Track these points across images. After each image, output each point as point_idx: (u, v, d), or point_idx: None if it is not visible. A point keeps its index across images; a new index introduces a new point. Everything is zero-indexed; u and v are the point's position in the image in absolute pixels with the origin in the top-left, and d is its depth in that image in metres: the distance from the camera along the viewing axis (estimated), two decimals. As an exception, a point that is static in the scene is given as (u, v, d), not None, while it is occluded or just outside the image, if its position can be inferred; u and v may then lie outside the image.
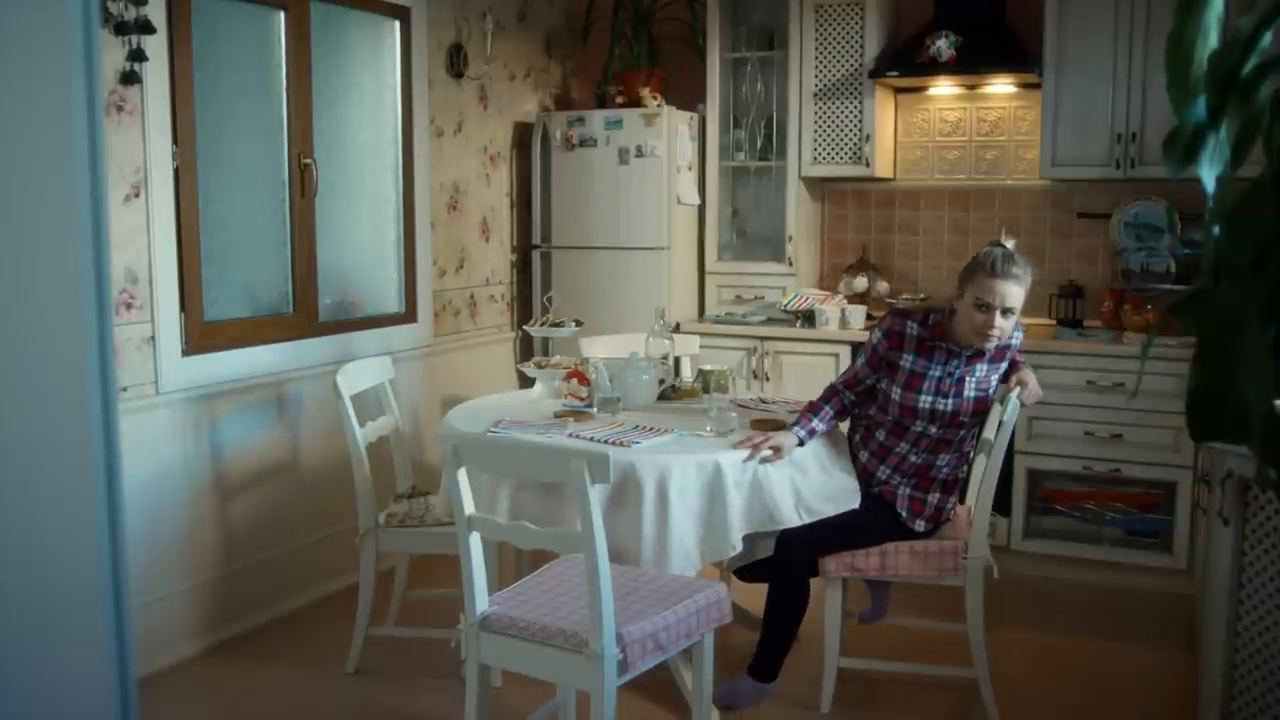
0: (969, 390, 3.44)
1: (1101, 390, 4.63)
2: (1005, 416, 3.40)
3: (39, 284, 1.42)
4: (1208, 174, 1.83)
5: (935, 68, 5.00)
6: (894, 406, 3.46)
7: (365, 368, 4.00)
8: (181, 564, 3.93)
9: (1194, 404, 1.76)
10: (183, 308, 3.95)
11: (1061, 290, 5.11)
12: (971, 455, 3.59)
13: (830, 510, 3.41)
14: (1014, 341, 3.52)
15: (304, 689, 3.72)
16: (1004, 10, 5.06)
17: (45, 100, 1.42)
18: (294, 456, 4.39)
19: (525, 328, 4.50)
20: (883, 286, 5.52)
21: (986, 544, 3.47)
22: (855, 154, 5.29)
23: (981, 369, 3.46)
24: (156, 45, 3.74)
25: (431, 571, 4.61)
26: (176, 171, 3.90)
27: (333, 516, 4.51)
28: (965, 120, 5.43)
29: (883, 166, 5.39)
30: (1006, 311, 3.34)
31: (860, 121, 5.27)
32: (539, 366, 4.18)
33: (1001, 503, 4.74)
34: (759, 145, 5.60)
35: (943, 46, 4.94)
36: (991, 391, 3.45)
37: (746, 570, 3.62)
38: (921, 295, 5.39)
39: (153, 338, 3.81)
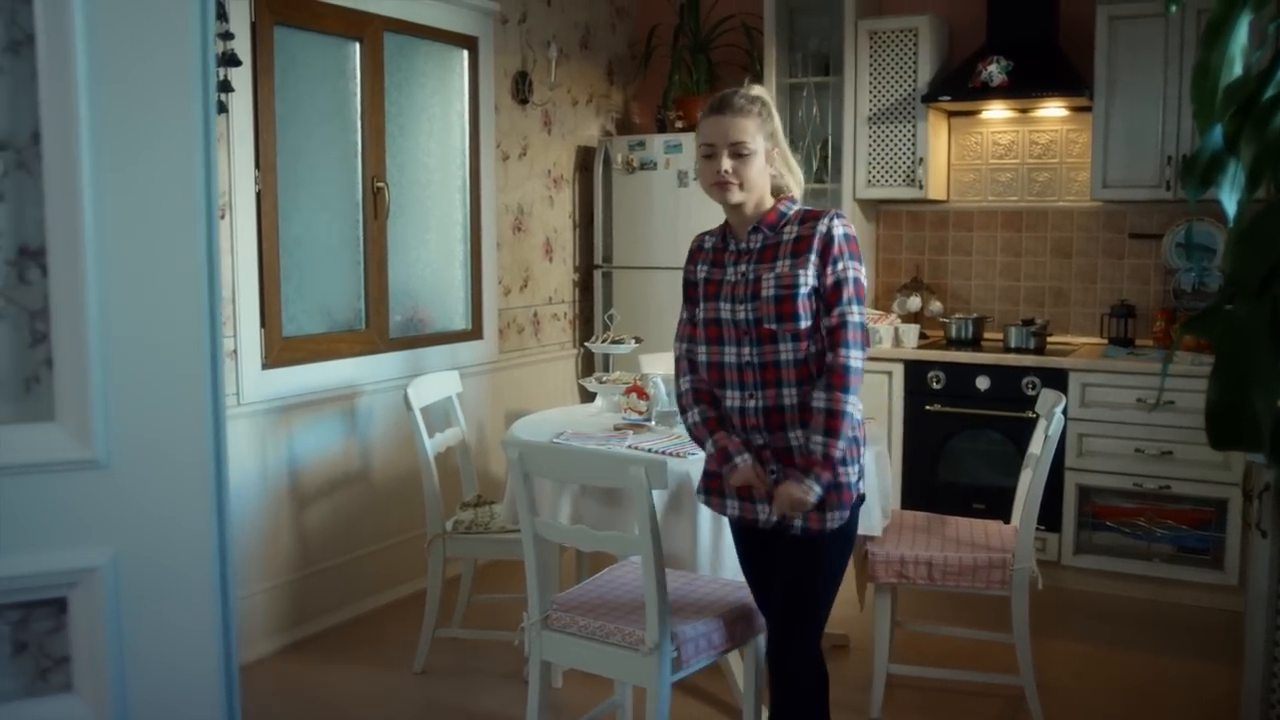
0: (767, 289, 2.67)
1: (1152, 408, 4.70)
2: (1050, 431, 3.50)
3: (162, 303, 1.61)
4: (1228, 198, 1.95)
5: (987, 92, 5.11)
6: (701, 328, 2.80)
7: (434, 382, 4.19)
8: (261, 566, 4.14)
9: (1212, 414, 1.88)
10: (263, 323, 4.17)
11: (1113, 309, 5.19)
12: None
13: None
14: (831, 229, 2.68)
15: (374, 686, 3.90)
16: (1055, 34, 5.16)
17: (170, 138, 1.60)
18: (366, 466, 4.59)
19: (587, 344, 4.67)
20: (936, 306, 5.63)
21: (1033, 555, 3.56)
22: (909, 176, 5.42)
23: (783, 264, 2.68)
24: (241, 76, 3.97)
25: (495, 577, 4.79)
26: (259, 195, 4.12)
27: (402, 524, 4.71)
28: (1017, 143, 5.53)
29: (936, 188, 5.50)
30: (738, 152, 2.67)
31: (914, 145, 5.39)
32: (600, 382, 4.34)
33: (1053, 518, 4.83)
34: (815, 168, 5.73)
35: (994, 72, 5.05)
36: (803, 289, 2.64)
37: None
38: (974, 315, 5.48)
39: (235, 351, 4.03)
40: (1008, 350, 5.14)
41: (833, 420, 2.60)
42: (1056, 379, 4.82)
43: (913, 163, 5.40)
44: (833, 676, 3.92)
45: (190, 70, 1.61)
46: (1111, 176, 5.02)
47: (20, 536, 1.54)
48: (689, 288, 2.87)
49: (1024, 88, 5.08)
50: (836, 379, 2.61)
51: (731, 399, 2.74)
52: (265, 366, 4.17)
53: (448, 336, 5.09)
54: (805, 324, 2.65)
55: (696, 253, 2.88)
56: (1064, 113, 5.38)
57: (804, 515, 2.67)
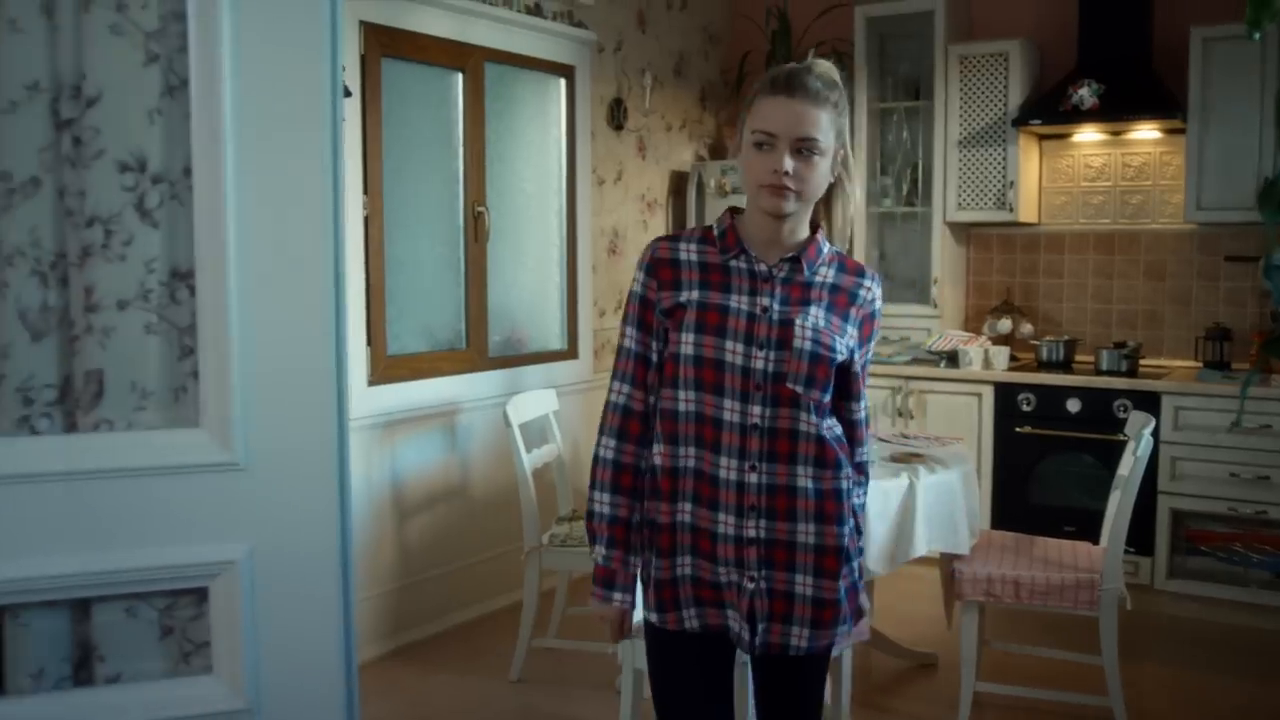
0: (802, 340, 2.07)
1: (1247, 432, 4.66)
2: (1139, 452, 3.52)
3: (295, 322, 1.77)
4: (1311, 224, 2.00)
5: (1078, 115, 5.14)
6: (691, 368, 2.08)
7: (532, 400, 4.34)
8: (364, 575, 4.31)
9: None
10: (369, 342, 4.36)
11: (1208, 332, 5.16)
12: (857, 505, 2.20)
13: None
14: (875, 299, 2.20)
15: (472, 693, 4.05)
16: (1149, 55, 5.16)
17: (302, 170, 1.76)
18: (465, 481, 4.76)
19: (678, 364, 4.78)
20: (1027, 328, 5.64)
21: (1121, 576, 3.58)
22: (999, 200, 5.45)
23: (817, 313, 2.10)
24: (351, 106, 4.18)
25: (589, 589, 4.91)
26: (366, 219, 4.32)
27: (499, 537, 4.86)
28: (1110, 165, 5.53)
29: (1027, 211, 5.52)
30: (805, 149, 2.02)
31: (1004, 168, 5.42)
32: (691, 400, 4.44)
33: (1146, 542, 4.82)
34: (905, 191, 5.79)
35: (1085, 95, 5.07)
36: (839, 356, 2.10)
37: None
38: (1066, 337, 5.49)
39: (344, 369, 4.21)
40: (1099, 373, 5.14)
41: (863, 518, 2.26)
42: (1149, 402, 4.81)
43: (1003, 186, 5.43)
44: (920, 694, 3.99)
45: (321, 110, 1.77)
46: (1206, 199, 5.01)
47: (168, 530, 1.70)
48: (647, 310, 2.14)
49: (1115, 110, 5.10)
50: (864, 474, 2.25)
51: (726, 469, 2.07)
52: (370, 383, 4.35)
53: (544, 356, 5.24)
54: (826, 398, 2.11)
55: (669, 266, 2.13)
56: (1157, 135, 5.38)
57: (811, 634, 2.13)
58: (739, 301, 2.08)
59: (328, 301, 1.78)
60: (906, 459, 3.75)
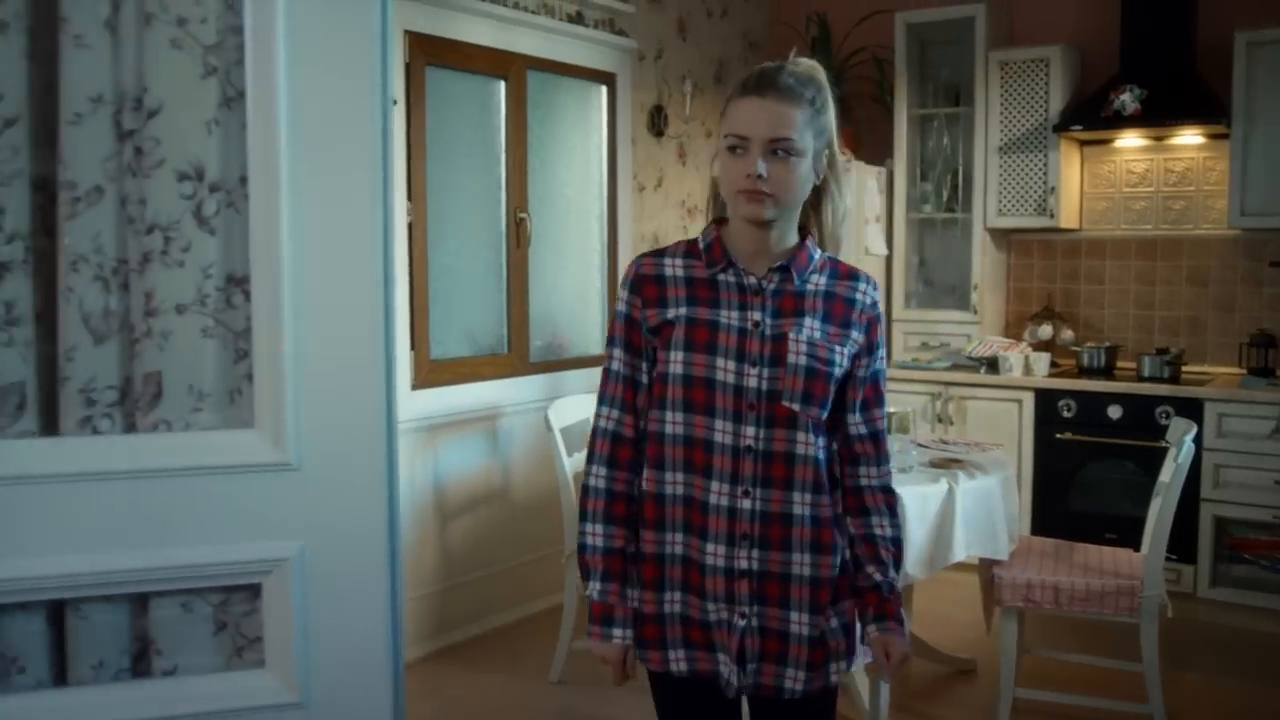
0: (796, 355, 1.95)
1: (1269, 435, 4.62)
2: (1179, 459, 3.52)
3: (345, 326, 1.82)
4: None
5: (1119, 121, 5.12)
6: (680, 387, 1.97)
7: (573, 404, 4.39)
8: (407, 577, 4.36)
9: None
10: (412, 346, 4.42)
11: (1252, 339, 5.12)
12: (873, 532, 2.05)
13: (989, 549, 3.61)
14: (875, 302, 2.07)
15: (513, 694, 4.10)
16: (1192, 60, 5.13)
17: (353, 180, 1.81)
18: (506, 484, 4.81)
19: (718, 369, 4.81)
20: (1068, 335, 5.62)
21: (1162, 583, 3.57)
22: (1040, 205, 5.44)
23: (812, 324, 1.98)
24: (395, 114, 4.22)
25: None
26: (410, 225, 4.38)
27: (540, 541, 4.91)
28: (1152, 171, 5.50)
29: (1068, 217, 5.51)
30: (779, 151, 1.92)
31: (1045, 174, 5.42)
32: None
33: (1188, 550, 4.79)
34: (945, 197, 5.79)
35: (1126, 100, 5.05)
36: (837, 369, 1.98)
37: None
38: (1107, 343, 5.46)
39: (388, 373, 4.28)
40: (1140, 379, 5.11)
41: (900, 550, 2.07)
42: (1191, 409, 4.78)
43: (1044, 192, 5.42)
44: (959, 699, 4.00)
45: (371, 120, 1.82)
46: (1250, 204, 4.98)
47: (223, 528, 1.76)
48: (633, 329, 2.03)
49: (1158, 116, 5.08)
50: (889, 500, 2.06)
51: (717, 494, 1.95)
52: (414, 387, 4.41)
53: (585, 360, 5.28)
54: (825, 415, 1.98)
55: (649, 283, 2.02)
56: (1200, 140, 5.35)
57: (806, 676, 1.98)
58: (729, 317, 1.97)
59: (377, 307, 1.83)
60: (946, 464, 3.76)
